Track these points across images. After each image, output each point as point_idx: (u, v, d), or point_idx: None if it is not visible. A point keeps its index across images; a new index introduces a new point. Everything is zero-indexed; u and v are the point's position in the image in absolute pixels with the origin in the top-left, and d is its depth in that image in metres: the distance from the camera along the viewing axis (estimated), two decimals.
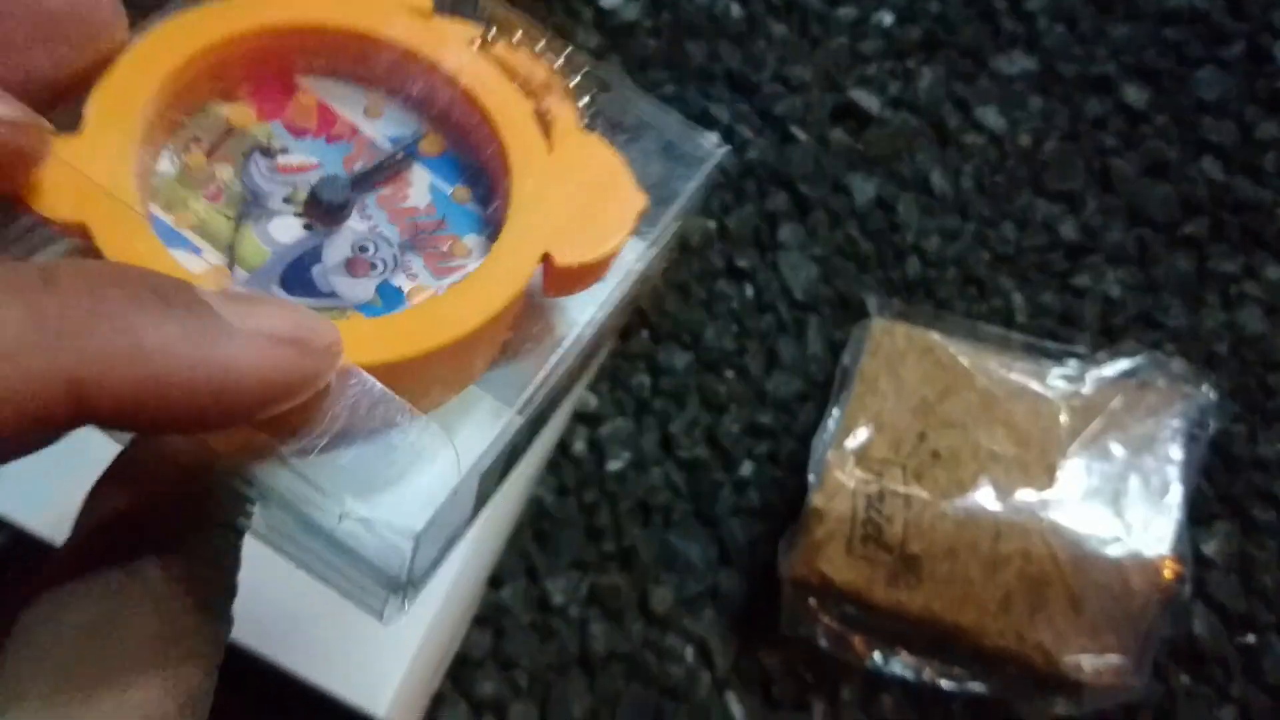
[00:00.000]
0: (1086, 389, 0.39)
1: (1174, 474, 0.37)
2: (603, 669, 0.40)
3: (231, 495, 0.18)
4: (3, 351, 0.13)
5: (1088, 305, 0.46)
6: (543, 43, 0.22)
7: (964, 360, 0.40)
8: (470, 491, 0.18)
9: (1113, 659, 0.35)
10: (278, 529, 0.18)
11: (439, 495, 0.17)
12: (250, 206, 0.20)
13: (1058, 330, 0.45)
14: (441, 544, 0.19)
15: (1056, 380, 0.40)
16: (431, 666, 0.38)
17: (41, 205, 0.17)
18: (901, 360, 0.40)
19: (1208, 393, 0.39)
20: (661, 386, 0.45)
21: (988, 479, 0.37)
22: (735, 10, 0.53)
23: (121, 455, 0.18)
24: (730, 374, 0.45)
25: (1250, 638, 0.40)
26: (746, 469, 0.44)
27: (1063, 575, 0.36)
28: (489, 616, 0.41)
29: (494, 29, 0.22)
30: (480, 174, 0.22)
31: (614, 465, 0.44)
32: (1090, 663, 0.36)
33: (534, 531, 0.43)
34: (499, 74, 0.21)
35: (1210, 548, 0.41)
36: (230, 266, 0.19)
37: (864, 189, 0.49)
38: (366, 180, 0.21)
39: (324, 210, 0.20)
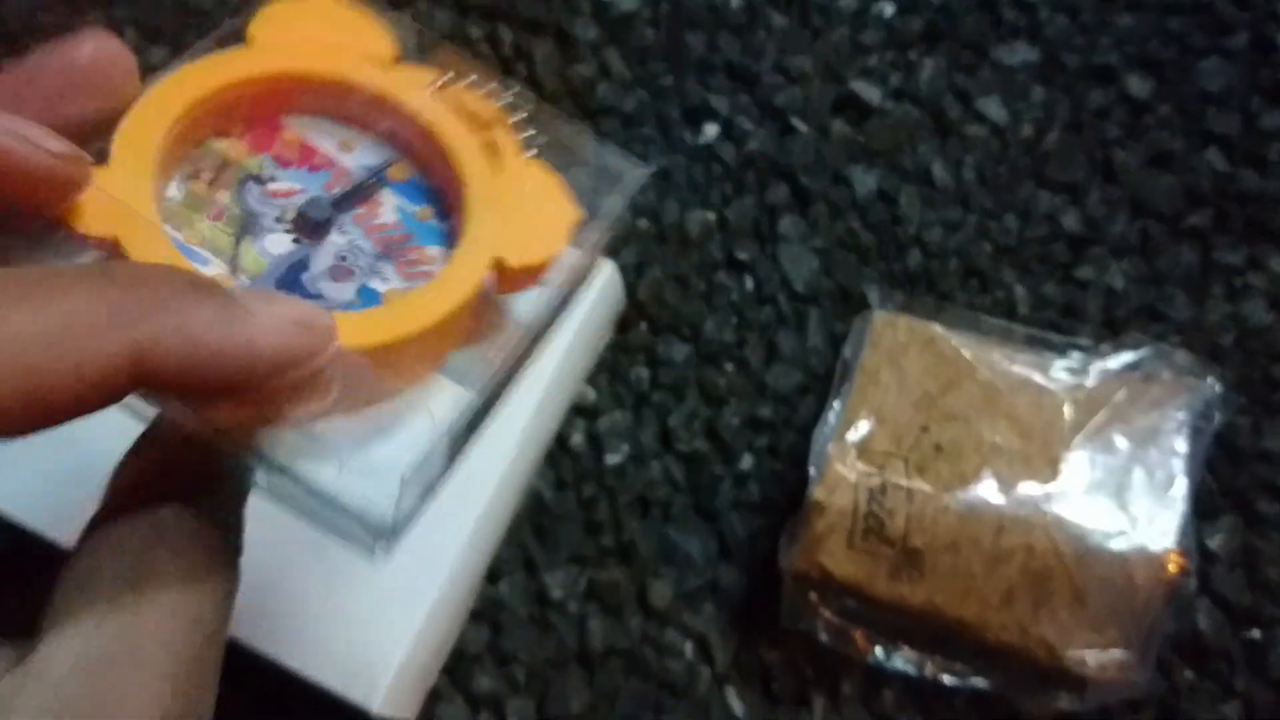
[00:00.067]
0: (1090, 381, 0.39)
1: (1178, 467, 0.37)
2: (601, 664, 0.40)
3: (237, 465, 0.22)
4: (81, 330, 0.16)
5: (1091, 297, 0.46)
6: (492, 85, 0.26)
7: (966, 353, 0.40)
8: (442, 451, 0.22)
9: (1116, 654, 0.35)
10: (278, 488, 0.21)
11: (418, 453, 0.21)
12: (247, 225, 0.24)
13: (1061, 322, 0.45)
14: (419, 493, 0.22)
15: (1060, 373, 0.39)
16: (428, 661, 0.38)
17: (80, 224, 0.20)
18: (903, 353, 0.40)
19: (1212, 385, 0.39)
20: (660, 379, 0.45)
21: (990, 472, 0.37)
22: (735, 1, 0.52)
23: (144, 433, 0.22)
24: (730, 367, 0.45)
25: (1255, 632, 0.40)
26: (746, 462, 0.43)
27: (1066, 569, 0.36)
28: (486, 611, 0.41)
29: (449, 74, 0.26)
30: (440, 195, 0.26)
31: (613, 459, 0.43)
32: (1094, 657, 0.35)
33: (532, 525, 0.42)
34: (453, 112, 0.26)
35: (1215, 541, 0.41)
36: (234, 275, 0.23)
37: (865, 181, 0.48)
38: (345, 202, 0.25)
39: (310, 227, 0.24)
